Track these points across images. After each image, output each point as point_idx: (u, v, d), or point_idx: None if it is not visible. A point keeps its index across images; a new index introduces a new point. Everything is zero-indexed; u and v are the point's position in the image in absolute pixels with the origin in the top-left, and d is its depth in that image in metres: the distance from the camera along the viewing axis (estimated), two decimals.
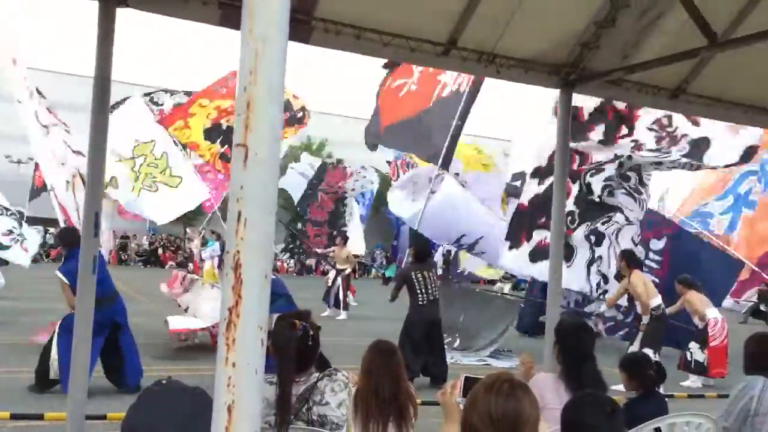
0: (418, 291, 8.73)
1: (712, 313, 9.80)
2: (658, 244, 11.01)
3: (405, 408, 3.36)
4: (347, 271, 16.77)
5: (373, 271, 34.00)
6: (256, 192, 1.45)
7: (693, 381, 9.72)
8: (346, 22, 4.32)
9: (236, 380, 1.42)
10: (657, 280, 10.28)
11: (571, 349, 3.86)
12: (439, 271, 13.13)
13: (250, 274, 1.43)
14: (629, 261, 9.22)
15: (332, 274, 17.54)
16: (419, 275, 8.80)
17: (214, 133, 10.86)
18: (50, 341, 7.37)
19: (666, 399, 4.55)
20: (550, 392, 3.76)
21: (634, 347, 9.00)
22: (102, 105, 3.99)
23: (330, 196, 22.51)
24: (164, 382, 2.51)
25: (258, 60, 1.46)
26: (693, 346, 9.83)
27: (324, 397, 2.88)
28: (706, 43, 4.20)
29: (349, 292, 18.13)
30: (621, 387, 5.61)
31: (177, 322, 9.91)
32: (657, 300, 9.14)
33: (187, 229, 31.26)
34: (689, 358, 9.80)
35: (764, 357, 3.94)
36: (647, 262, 10.77)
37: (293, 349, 2.86)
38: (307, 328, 2.92)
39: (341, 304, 16.13)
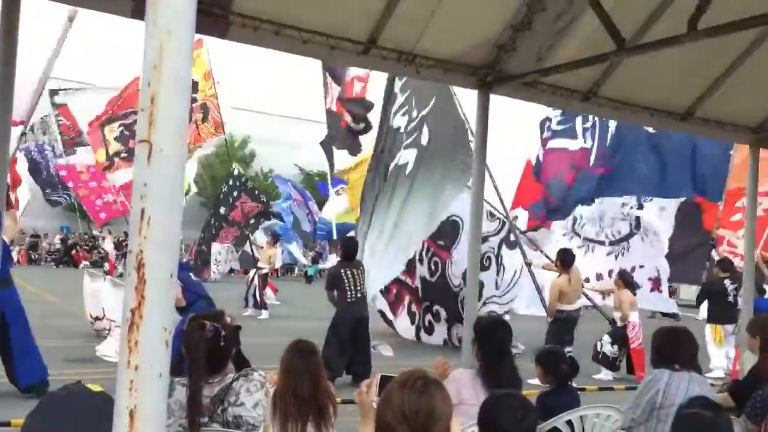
0: (347, 288, 8.76)
1: (634, 316, 10.21)
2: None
3: (324, 407, 3.35)
4: (264, 271, 16.53)
5: (296, 270, 33.72)
6: (160, 189, 1.41)
7: (605, 374, 10.08)
8: (264, 18, 4.26)
9: (139, 384, 1.38)
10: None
11: (489, 345, 3.92)
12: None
13: (154, 273, 1.39)
14: (564, 262, 9.60)
15: (252, 272, 17.33)
16: (348, 273, 8.85)
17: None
18: None
19: (578, 392, 4.69)
20: (467, 388, 3.82)
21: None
22: (5, 104, 3.80)
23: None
24: (69, 386, 2.41)
25: (162, 53, 1.41)
26: (605, 339, 10.19)
27: (239, 397, 2.84)
28: (615, 48, 4.36)
29: (270, 291, 17.94)
30: (537, 381, 5.77)
31: (106, 349, 9.43)
32: (569, 307, 9.46)
33: (101, 229, 30.17)
34: (599, 350, 10.16)
35: (670, 350, 4.10)
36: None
37: (203, 351, 2.80)
38: (218, 329, 2.86)
39: (260, 304, 15.95)
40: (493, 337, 3.97)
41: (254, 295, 16.16)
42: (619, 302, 10.18)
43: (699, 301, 12.01)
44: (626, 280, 10.33)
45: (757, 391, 4.03)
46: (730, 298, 10.52)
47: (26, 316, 7.27)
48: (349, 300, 8.71)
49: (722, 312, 10.61)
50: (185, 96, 1.45)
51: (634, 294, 10.25)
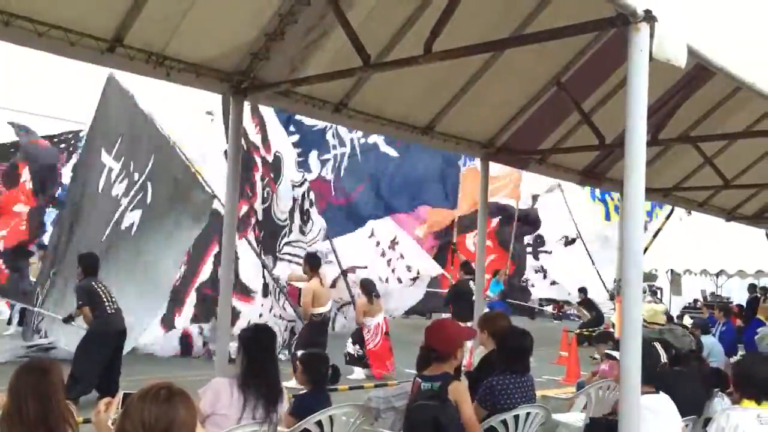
0: (104, 300, 8.21)
1: (369, 321, 10.88)
2: None
3: (56, 429, 3.10)
4: None
5: None
6: None
7: (357, 373, 10.58)
8: None
9: None
10: None
11: (253, 352, 3.95)
12: None
13: None
14: (312, 265, 9.88)
15: None
16: (101, 285, 8.32)
17: None
18: None
19: (329, 393, 4.85)
20: (223, 398, 3.80)
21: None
22: None
23: None
24: None
25: None
26: (348, 341, 10.84)
27: None
28: (362, 64, 4.60)
29: None
30: (293, 383, 5.87)
31: None
32: (324, 309, 9.81)
33: None
34: (345, 351, 10.72)
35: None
36: None
37: None
38: None
39: None
40: (257, 344, 4.01)
41: None
42: (358, 305, 10.93)
43: (449, 302, 13.05)
44: (366, 288, 11.10)
45: (486, 379, 4.48)
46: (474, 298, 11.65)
47: None
48: (109, 312, 8.20)
49: (469, 311, 11.70)
50: None
51: (371, 302, 10.94)
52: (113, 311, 8.27)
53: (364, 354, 10.75)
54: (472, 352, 6.28)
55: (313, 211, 12.05)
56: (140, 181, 10.81)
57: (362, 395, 7.57)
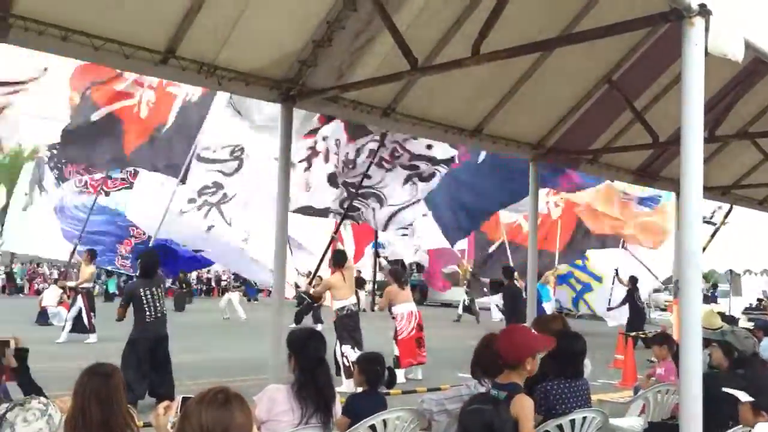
0: (146, 306, 8.34)
1: (400, 308, 10.79)
2: None
3: None
4: (86, 288, 15.15)
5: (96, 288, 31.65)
6: None
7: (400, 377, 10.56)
8: (49, 22, 4.00)
9: None
10: None
11: (305, 358, 3.97)
12: None
13: None
14: (336, 262, 10.13)
15: (51, 293, 16.01)
16: (147, 291, 8.42)
17: None
18: None
19: (383, 396, 4.86)
20: (279, 404, 3.83)
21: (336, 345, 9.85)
22: None
23: None
24: None
25: None
26: (393, 344, 10.77)
27: (15, 428, 2.64)
28: (409, 67, 4.61)
29: (63, 307, 16.64)
30: (344, 389, 5.92)
31: None
32: (344, 302, 9.91)
33: None
34: (394, 355, 10.68)
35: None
36: None
37: None
38: None
39: (88, 326, 14.67)
40: (309, 349, 4.02)
41: (79, 317, 14.80)
42: (385, 294, 10.87)
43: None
44: (395, 275, 11.05)
45: (540, 384, 4.42)
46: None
47: None
48: (147, 320, 8.31)
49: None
50: None
51: (402, 288, 10.88)
52: (152, 318, 8.33)
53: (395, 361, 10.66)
54: None
55: None
56: None
57: (416, 399, 7.57)
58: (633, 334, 14.26)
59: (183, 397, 2.62)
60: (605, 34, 4.09)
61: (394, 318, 10.76)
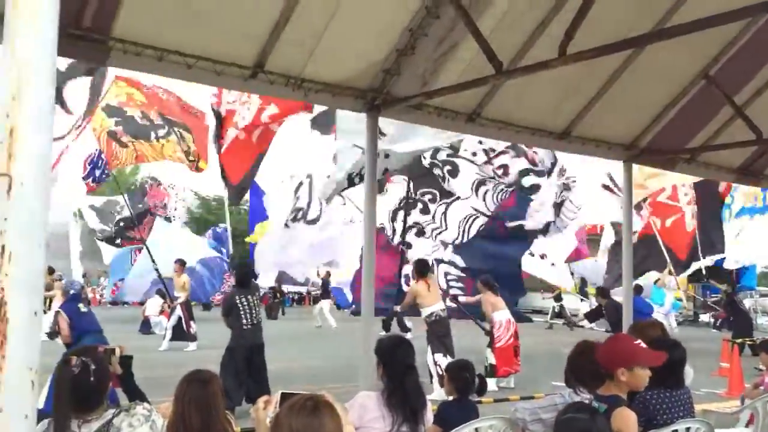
0: (242, 314, 8.63)
1: (498, 315, 10.63)
2: None
3: None
4: (182, 299, 15.82)
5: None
6: (21, 224, 1.36)
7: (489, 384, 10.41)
8: (146, 43, 4.19)
9: (4, 426, 1.32)
10: None
11: (393, 365, 3.97)
12: None
13: (17, 312, 1.34)
14: (419, 271, 10.06)
15: (153, 303, 16.71)
16: (243, 300, 8.72)
17: None
18: None
19: (475, 404, 4.80)
20: (370, 411, 3.84)
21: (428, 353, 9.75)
22: None
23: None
24: None
25: (21, 85, 1.38)
26: (487, 351, 10.59)
27: None
28: (494, 72, 4.55)
29: (164, 316, 17.33)
30: (435, 396, 5.88)
31: None
32: (431, 309, 9.83)
33: None
34: (486, 363, 10.51)
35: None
36: None
37: (67, 387, 2.71)
38: (87, 364, 2.77)
39: (188, 335, 15.32)
40: (397, 356, 4.02)
41: (180, 326, 15.47)
42: (483, 303, 10.69)
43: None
44: (487, 283, 10.83)
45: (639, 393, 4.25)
46: None
47: None
48: (244, 327, 8.58)
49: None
50: (48, 128, 1.42)
51: (496, 294, 10.72)
52: (249, 326, 8.60)
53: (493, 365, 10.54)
54: None
55: None
56: None
57: (508, 408, 7.45)
58: (739, 340, 13.56)
59: (282, 393, 2.67)
60: (701, 27, 3.91)
61: (492, 326, 10.64)
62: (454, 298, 11.32)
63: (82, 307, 8.29)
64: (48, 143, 1.42)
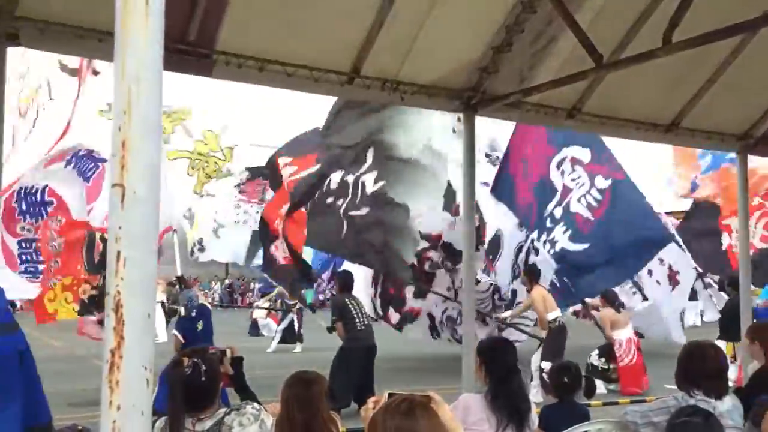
0: (355, 316, 8.81)
1: (618, 334, 10.28)
2: (603, 183, 9.65)
3: None
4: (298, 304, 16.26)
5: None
6: (135, 231, 1.44)
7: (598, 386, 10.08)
8: (248, 55, 4.33)
9: (121, 423, 1.40)
10: (592, 218, 9.88)
11: (496, 367, 3.93)
12: None
13: (133, 314, 1.42)
14: (531, 275, 9.74)
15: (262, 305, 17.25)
16: (353, 302, 8.92)
17: None
18: None
19: (583, 407, 4.68)
20: (473, 413, 3.82)
21: (535, 358, 9.47)
22: None
23: None
24: (64, 428, 2.45)
25: (131, 99, 1.46)
26: (594, 352, 10.25)
27: (232, 431, 2.85)
28: (594, 65, 4.42)
29: (271, 319, 17.87)
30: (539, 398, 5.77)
31: None
32: (555, 313, 9.54)
33: None
34: (588, 362, 10.20)
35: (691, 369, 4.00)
36: (587, 196, 9.68)
37: (181, 387, 2.83)
38: (198, 365, 2.89)
39: (298, 335, 15.82)
40: (500, 358, 3.97)
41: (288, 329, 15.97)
42: (602, 319, 10.34)
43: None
44: (608, 299, 10.46)
45: (759, 396, 4.01)
46: None
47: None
48: (359, 328, 8.76)
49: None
50: (156, 139, 1.49)
51: (618, 311, 10.33)
52: (363, 327, 8.79)
53: (609, 368, 10.23)
54: (742, 367, 5.68)
55: None
56: None
57: (617, 411, 7.21)
58: None
59: (389, 393, 2.69)
60: None
61: (612, 344, 10.39)
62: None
63: (200, 326, 8.60)
64: (157, 153, 1.50)
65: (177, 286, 11.38)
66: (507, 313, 11.04)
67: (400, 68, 4.81)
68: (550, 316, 9.58)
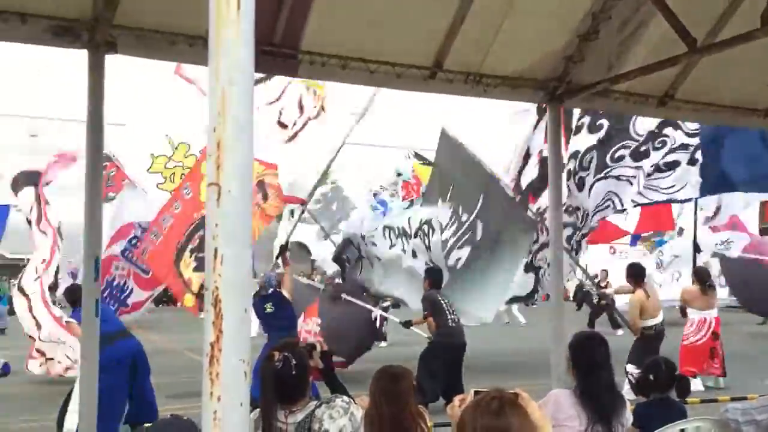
0: (447, 312, 8.83)
1: (693, 313, 10.05)
2: None
3: (410, 430, 3.37)
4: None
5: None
6: (230, 229, 1.49)
7: (694, 384, 9.65)
8: (331, 53, 4.39)
9: (222, 414, 1.46)
10: None
11: (583, 362, 3.84)
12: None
13: (229, 309, 1.47)
14: (636, 276, 9.42)
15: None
16: (443, 298, 8.96)
17: None
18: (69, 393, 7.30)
19: (679, 404, 4.52)
20: (564, 410, 3.74)
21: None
22: (96, 151, 4.06)
23: None
24: (170, 417, 2.57)
25: (225, 100, 1.51)
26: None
27: (323, 424, 2.91)
28: (687, 49, 4.24)
29: None
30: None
31: None
32: (653, 320, 9.20)
33: None
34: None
35: None
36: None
37: (271, 381, 2.92)
38: (288, 359, 2.96)
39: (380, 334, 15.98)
40: (587, 353, 3.88)
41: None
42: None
43: None
44: (699, 276, 10.19)
45: None
46: None
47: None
48: (450, 324, 8.77)
49: None
50: (248, 139, 1.54)
51: (704, 292, 9.96)
52: (455, 324, 8.78)
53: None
54: None
55: None
56: (468, 221, 10.79)
57: (717, 409, 6.93)
58: None
59: (475, 391, 2.68)
60: None
61: (690, 324, 10.04)
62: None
63: (268, 308, 8.85)
64: (249, 153, 1.54)
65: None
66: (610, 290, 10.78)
67: (483, 60, 4.75)
68: (648, 323, 9.20)
